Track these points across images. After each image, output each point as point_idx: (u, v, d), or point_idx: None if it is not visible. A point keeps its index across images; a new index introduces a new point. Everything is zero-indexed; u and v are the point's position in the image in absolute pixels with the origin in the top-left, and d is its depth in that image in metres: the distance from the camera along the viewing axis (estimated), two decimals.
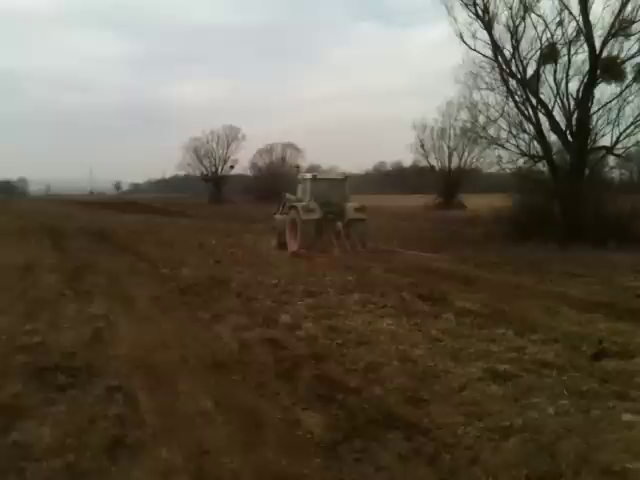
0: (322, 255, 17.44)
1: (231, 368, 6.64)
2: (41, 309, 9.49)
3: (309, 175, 21.01)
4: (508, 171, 27.29)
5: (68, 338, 7.73)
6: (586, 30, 21.92)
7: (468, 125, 30.97)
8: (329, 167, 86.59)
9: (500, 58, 23.74)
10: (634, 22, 21.38)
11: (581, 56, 22.74)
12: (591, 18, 21.87)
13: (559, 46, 22.94)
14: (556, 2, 22.34)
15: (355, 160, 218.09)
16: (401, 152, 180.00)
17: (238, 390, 5.98)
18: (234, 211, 49.18)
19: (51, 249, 19.16)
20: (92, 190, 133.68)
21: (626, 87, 22.53)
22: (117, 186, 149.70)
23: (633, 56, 22.01)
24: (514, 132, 24.65)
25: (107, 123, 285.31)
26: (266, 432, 4.93)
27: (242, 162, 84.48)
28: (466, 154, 56.85)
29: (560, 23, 22.52)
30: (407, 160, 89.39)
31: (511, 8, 23.00)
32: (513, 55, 23.50)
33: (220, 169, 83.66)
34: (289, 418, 5.20)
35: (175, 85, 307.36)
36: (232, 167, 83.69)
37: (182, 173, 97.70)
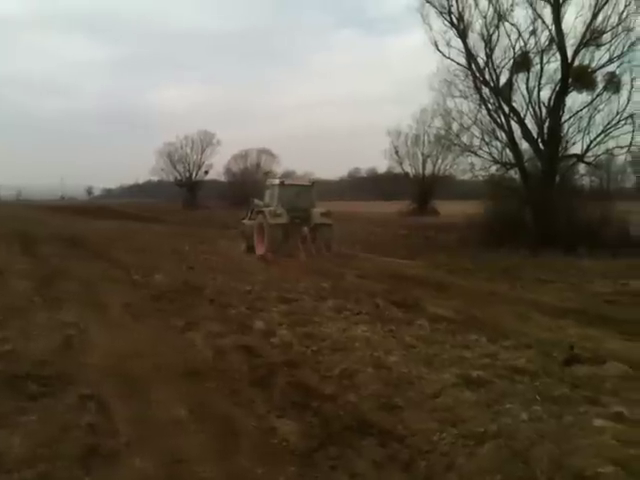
0: (288, 259, 17.89)
1: (205, 376, 6.59)
2: (11, 316, 9.28)
3: (277, 181, 21.69)
4: (481, 178, 27.64)
5: (39, 346, 7.58)
6: (558, 39, 22.36)
7: (442, 132, 31.37)
8: (303, 173, 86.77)
9: (474, 66, 24.08)
10: (604, 32, 21.85)
11: (553, 65, 23.20)
12: (563, 27, 22.37)
13: (532, 55, 23.36)
14: (530, 11, 22.80)
15: (332, 166, 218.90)
16: (376, 159, 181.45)
17: (212, 398, 5.94)
18: (208, 217, 48.88)
19: (21, 255, 18.81)
20: (63, 195, 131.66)
21: (597, 96, 22.97)
22: (89, 191, 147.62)
23: (603, 65, 22.50)
24: (487, 140, 25.01)
25: (83, 128, 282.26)
26: (241, 440, 4.91)
27: (217, 167, 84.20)
28: (440, 161, 57.36)
29: (533, 32, 22.96)
30: (382, 166, 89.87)
31: (485, 17, 23.40)
32: (487, 63, 23.86)
33: (194, 174, 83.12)
34: (264, 426, 5.19)
35: (155, 90, 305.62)
36: (206, 172, 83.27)
37: (155, 178, 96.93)
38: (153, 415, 5.47)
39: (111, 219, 43.82)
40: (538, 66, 23.32)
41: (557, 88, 22.93)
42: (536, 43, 23.06)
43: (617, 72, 22.54)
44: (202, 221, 41.55)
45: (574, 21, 22.16)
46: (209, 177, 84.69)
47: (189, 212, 64.66)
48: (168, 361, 7.11)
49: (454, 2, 23.83)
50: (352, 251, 20.66)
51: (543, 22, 22.63)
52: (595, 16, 21.69)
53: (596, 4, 21.58)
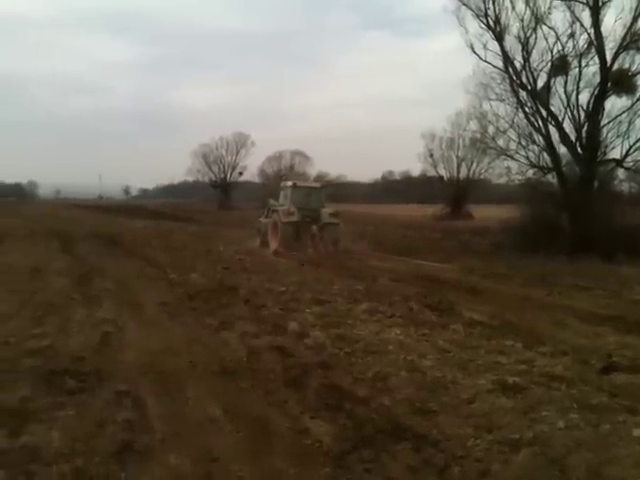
0: (298, 254, 19.81)
1: (239, 375, 6.64)
2: (50, 313, 9.51)
3: (290, 183, 23.93)
4: (517, 182, 27.20)
5: (77, 342, 7.75)
6: (597, 42, 21.88)
7: (477, 135, 30.99)
8: (336, 175, 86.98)
9: (511, 69, 23.72)
10: None
11: (592, 68, 22.64)
12: (602, 30, 21.80)
13: (570, 58, 22.86)
14: (568, 14, 22.31)
15: (363, 168, 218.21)
16: (409, 161, 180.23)
17: (246, 397, 5.98)
18: (242, 218, 49.12)
19: (60, 253, 19.25)
20: (101, 194, 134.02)
21: (637, 100, 22.39)
22: (126, 191, 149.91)
23: None
24: (524, 143, 24.56)
25: (116, 127, 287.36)
26: (274, 440, 4.93)
27: (251, 169, 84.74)
28: (475, 164, 56.58)
29: (571, 35, 22.46)
30: (415, 170, 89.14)
31: (522, 20, 22.99)
32: (524, 66, 23.47)
33: (229, 175, 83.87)
34: (297, 427, 5.19)
35: (184, 91, 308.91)
36: (241, 174, 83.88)
37: (191, 179, 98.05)
38: (188, 413, 5.53)
39: (147, 218, 44.46)
40: (576, 69, 22.83)
41: (596, 92, 22.43)
42: (574, 46, 22.58)
43: None
44: (236, 222, 41.78)
45: (614, 24, 21.63)
46: (243, 178, 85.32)
47: (223, 213, 65.15)
48: (203, 360, 7.19)
49: (490, 5, 23.52)
50: (385, 254, 20.60)
51: (581, 25, 22.16)
52: (635, 19, 21.16)
53: (637, 7, 21.03)
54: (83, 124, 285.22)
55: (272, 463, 4.53)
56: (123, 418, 5.22)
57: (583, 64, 22.68)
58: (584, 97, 22.98)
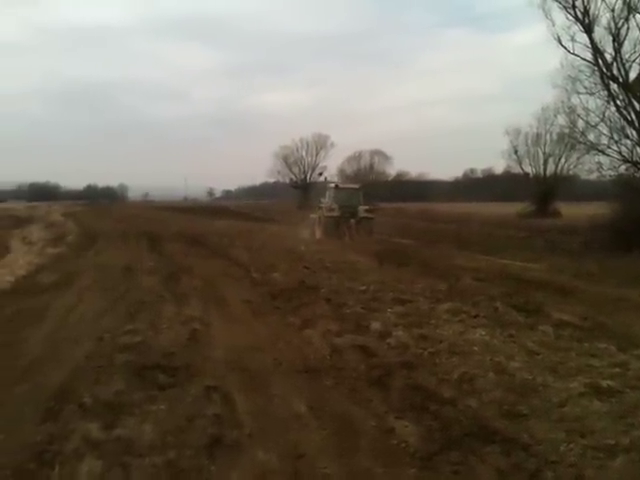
0: (337, 241, 24.32)
1: (323, 373, 6.68)
2: (141, 310, 9.88)
3: (332, 185, 30.32)
4: (609, 178, 26.05)
5: (167, 338, 8.03)
6: None
7: (566, 130, 29.95)
8: (417, 174, 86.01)
9: (601, 61, 22.76)
10: None
11: None
12: None
13: None
14: None
15: (446, 166, 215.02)
16: (491, 159, 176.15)
17: (331, 395, 6.01)
18: None
19: (149, 252, 20.01)
20: (186, 196, 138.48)
21: None
22: (210, 193, 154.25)
23: None
24: (616, 138, 23.53)
25: (199, 132, 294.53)
26: (360, 439, 4.93)
27: (330, 169, 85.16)
28: (563, 160, 54.42)
29: None
30: (498, 167, 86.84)
31: (613, 10, 22.04)
32: (615, 58, 22.46)
33: (309, 176, 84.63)
34: (383, 426, 5.17)
35: (263, 94, 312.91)
36: (320, 174, 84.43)
37: (271, 180, 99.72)
38: (274, 409, 5.61)
39: (229, 219, 45.53)
40: None
41: None
42: None
43: None
44: None
45: None
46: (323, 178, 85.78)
47: (303, 213, 65.76)
48: (287, 357, 7.29)
49: None
50: (468, 253, 20.22)
51: None
52: None
53: None
54: (168, 129, 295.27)
55: (358, 461, 4.54)
56: (212, 413, 5.37)
57: None
58: None
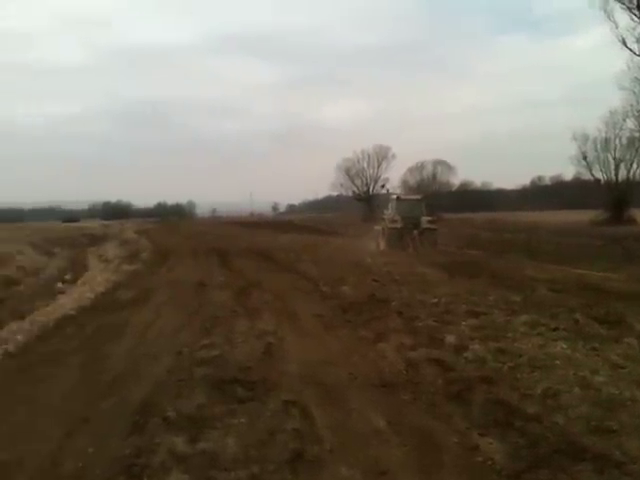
0: (402, 253, 24.29)
1: (400, 387, 6.61)
2: (216, 324, 10.05)
3: (394, 196, 30.66)
4: None
5: (242, 352, 8.13)
6: None
7: (636, 134, 28.83)
8: (481, 184, 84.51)
9: None
10: None
11: None
12: None
13: None
14: None
15: (512, 174, 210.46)
16: (558, 165, 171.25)
17: (409, 410, 5.94)
18: None
19: (219, 267, 20.39)
20: (252, 211, 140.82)
21: None
22: (274, 207, 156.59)
23: None
24: None
25: (262, 147, 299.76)
26: (443, 455, 4.84)
27: (393, 180, 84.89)
28: (635, 166, 52.46)
29: None
30: (567, 173, 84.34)
31: None
32: None
33: (371, 188, 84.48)
34: (466, 443, 5.06)
35: (324, 108, 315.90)
36: (383, 186, 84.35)
37: (334, 193, 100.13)
38: (353, 424, 5.58)
39: (293, 233, 45.92)
40: None
41: None
42: None
43: None
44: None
45: None
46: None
47: (367, 225, 65.65)
48: (362, 371, 7.25)
49: None
50: (540, 263, 19.66)
51: None
52: None
53: None
54: (231, 145, 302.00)
55: (443, 479, 4.45)
56: (292, 427, 5.38)
57: None
58: None
